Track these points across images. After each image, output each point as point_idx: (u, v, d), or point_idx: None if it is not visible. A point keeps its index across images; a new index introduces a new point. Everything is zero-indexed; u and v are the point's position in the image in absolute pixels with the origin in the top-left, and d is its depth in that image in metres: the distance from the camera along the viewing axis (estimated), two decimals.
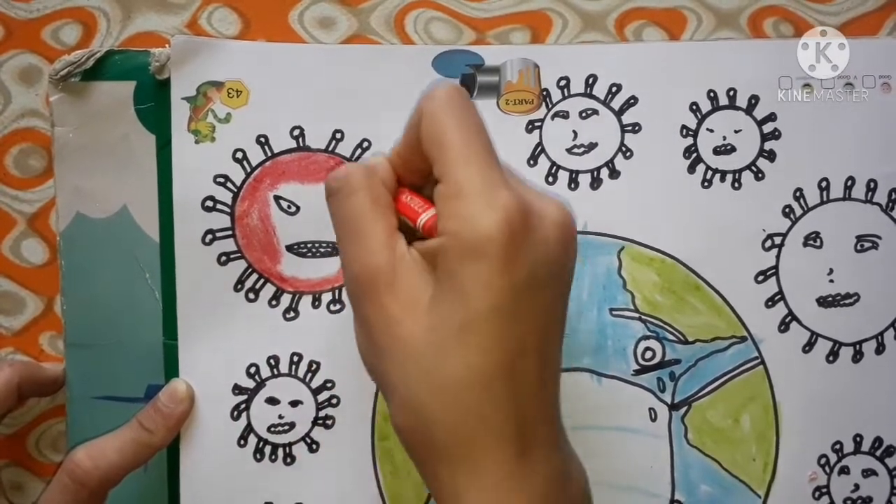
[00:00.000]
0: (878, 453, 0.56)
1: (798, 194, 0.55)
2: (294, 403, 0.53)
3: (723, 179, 0.54)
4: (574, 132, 0.54)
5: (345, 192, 0.43)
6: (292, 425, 0.53)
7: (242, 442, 0.53)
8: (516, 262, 0.38)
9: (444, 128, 0.40)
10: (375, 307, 0.41)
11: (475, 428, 0.39)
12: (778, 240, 0.55)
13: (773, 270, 0.55)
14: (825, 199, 0.55)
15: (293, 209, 0.52)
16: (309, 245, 0.53)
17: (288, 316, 0.53)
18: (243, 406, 0.53)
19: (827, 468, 0.55)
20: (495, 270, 0.38)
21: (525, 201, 0.39)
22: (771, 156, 0.54)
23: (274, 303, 0.53)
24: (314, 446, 0.53)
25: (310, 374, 0.53)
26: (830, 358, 0.55)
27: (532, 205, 0.39)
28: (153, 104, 0.52)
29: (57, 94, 0.51)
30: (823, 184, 0.55)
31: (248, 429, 0.53)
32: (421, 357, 0.40)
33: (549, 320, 0.40)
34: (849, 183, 0.55)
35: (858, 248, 0.55)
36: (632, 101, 0.54)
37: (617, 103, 0.54)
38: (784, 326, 0.55)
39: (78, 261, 0.52)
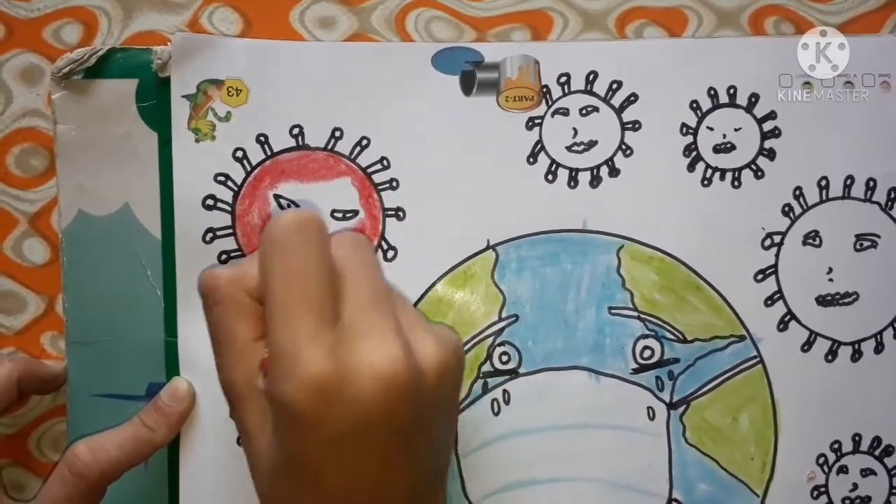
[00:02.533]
0: (876, 453, 0.56)
1: (797, 193, 0.55)
2: None
3: (722, 178, 0.55)
4: (574, 129, 0.54)
5: (211, 299, 0.44)
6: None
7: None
8: (320, 424, 0.39)
9: (269, 271, 0.41)
10: (235, 416, 0.43)
11: None
12: (777, 238, 0.55)
13: (773, 269, 0.55)
14: (824, 197, 0.55)
15: (293, 208, 0.53)
16: None
17: None
18: None
19: (825, 467, 0.56)
20: (300, 431, 0.39)
21: (335, 360, 0.39)
22: (771, 154, 0.55)
23: None
24: None
25: None
26: (829, 357, 0.55)
27: (344, 359, 0.39)
28: (155, 102, 0.52)
29: (59, 91, 0.52)
30: (823, 182, 0.55)
31: None
32: (265, 475, 0.42)
33: (383, 464, 0.40)
34: (848, 182, 0.55)
35: (857, 247, 0.55)
36: (632, 99, 0.54)
37: (617, 100, 0.54)
38: (783, 325, 0.55)
39: (80, 258, 0.53)
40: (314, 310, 0.40)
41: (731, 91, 0.55)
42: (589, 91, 0.54)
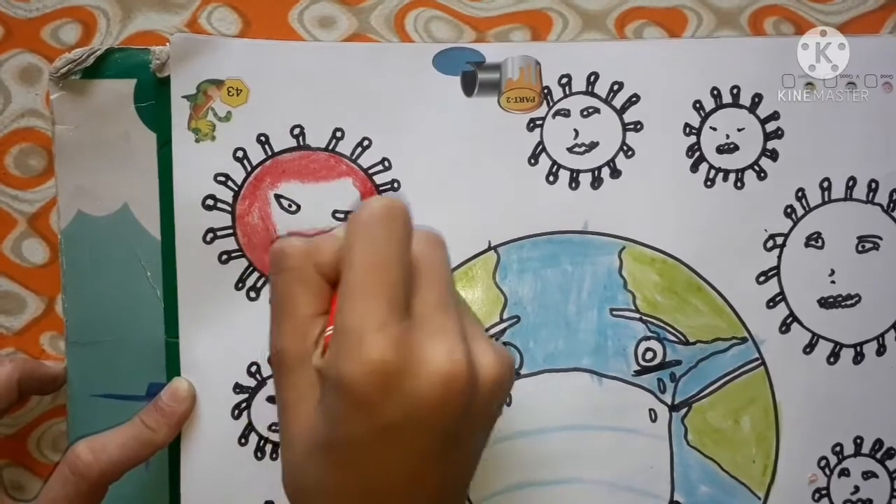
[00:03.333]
0: (878, 455, 0.57)
1: (800, 194, 0.55)
2: None
3: (725, 179, 0.55)
4: (575, 131, 0.54)
5: (278, 266, 0.44)
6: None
7: (243, 440, 0.53)
8: (373, 410, 0.39)
9: (351, 252, 0.41)
10: (278, 387, 0.44)
11: None
12: (780, 240, 0.55)
13: (775, 271, 0.55)
14: (826, 199, 0.55)
15: (294, 208, 0.53)
16: None
17: None
18: (244, 405, 0.53)
19: (827, 470, 0.56)
20: (353, 413, 0.39)
21: (399, 351, 0.39)
22: (773, 155, 0.55)
23: None
24: None
25: None
26: (831, 359, 0.56)
27: (409, 352, 0.39)
28: (154, 102, 0.52)
29: (58, 91, 0.52)
30: (825, 184, 0.55)
31: (249, 427, 0.53)
32: (301, 450, 0.42)
33: (424, 461, 0.41)
34: (850, 183, 0.55)
35: (860, 248, 0.56)
36: (634, 100, 0.54)
37: (619, 101, 0.54)
38: (785, 327, 0.55)
39: (79, 259, 0.53)
40: (388, 298, 0.40)
41: (735, 91, 0.55)
42: (590, 92, 0.54)
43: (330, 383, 0.40)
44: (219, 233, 0.53)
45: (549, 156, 0.54)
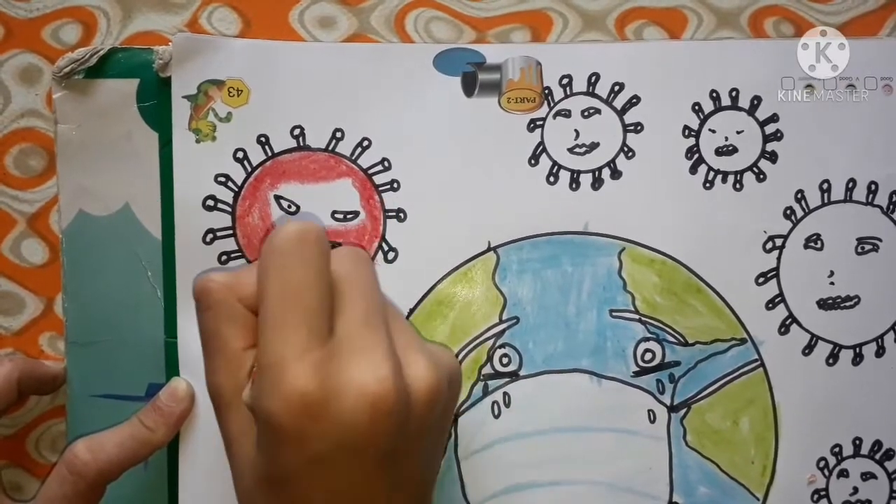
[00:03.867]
0: (877, 456, 0.57)
1: (799, 196, 0.55)
2: None
3: (724, 180, 0.55)
4: (576, 131, 0.55)
5: (203, 304, 0.44)
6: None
7: None
8: (302, 441, 0.39)
9: (265, 282, 0.42)
10: (220, 422, 0.44)
11: None
12: (779, 241, 0.55)
13: (774, 272, 0.56)
14: (826, 200, 0.56)
15: (294, 209, 0.53)
16: None
17: None
18: None
19: (826, 471, 0.56)
20: (282, 447, 0.40)
21: (321, 379, 0.39)
22: (773, 157, 0.55)
23: None
24: None
25: None
26: (830, 360, 0.56)
27: (331, 378, 0.39)
28: (156, 102, 0.52)
29: (60, 91, 0.52)
30: (825, 185, 0.56)
31: None
32: (248, 484, 0.43)
33: (366, 485, 0.40)
34: (850, 185, 0.56)
35: (859, 250, 0.56)
36: (634, 101, 0.55)
37: (619, 102, 0.55)
38: (784, 328, 0.56)
39: (80, 258, 0.53)
40: (306, 325, 0.40)
41: (734, 93, 0.55)
42: (591, 93, 0.54)
43: (259, 419, 0.40)
44: (219, 233, 0.53)
45: (549, 156, 0.54)
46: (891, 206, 0.56)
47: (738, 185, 0.55)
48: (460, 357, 0.54)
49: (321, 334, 0.40)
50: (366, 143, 0.53)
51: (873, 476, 0.57)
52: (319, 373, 0.39)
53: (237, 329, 0.43)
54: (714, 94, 0.55)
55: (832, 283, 0.56)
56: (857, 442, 0.56)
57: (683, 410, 0.55)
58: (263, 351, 0.40)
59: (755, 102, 0.55)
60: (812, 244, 0.56)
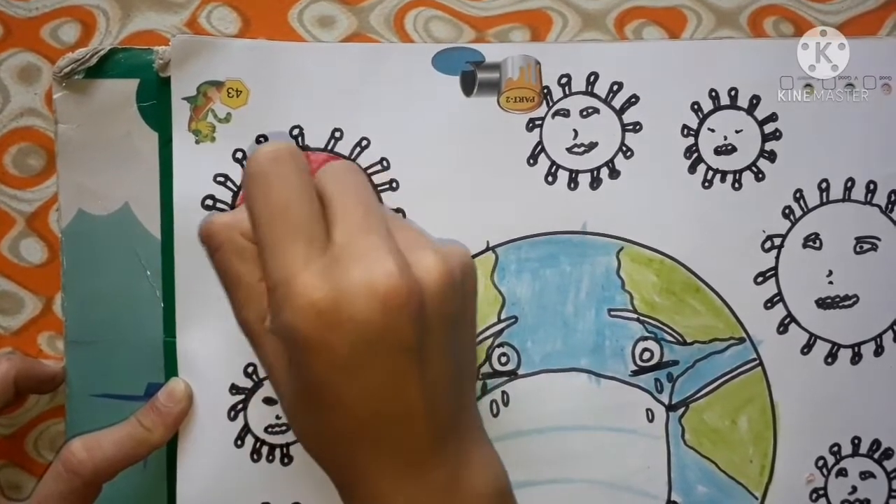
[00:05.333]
0: (875, 456, 0.57)
1: (798, 195, 0.56)
2: None
3: (723, 180, 0.56)
4: (574, 131, 0.55)
5: (210, 247, 0.46)
6: (290, 426, 0.54)
7: (239, 442, 0.54)
8: (324, 348, 0.40)
9: (253, 208, 0.43)
10: (256, 353, 0.45)
11: (349, 476, 0.44)
12: (777, 241, 0.56)
13: (773, 271, 0.56)
14: (825, 200, 0.56)
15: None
16: None
17: None
18: (240, 406, 0.54)
19: (824, 470, 0.57)
20: (308, 358, 0.41)
21: (330, 283, 0.40)
22: (771, 156, 0.56)
23: None
24: None
25: None
26: (829, 360, 0.57)
27: (339, 281, 0.40)
28: (156, 102, 0.53)
29: (60, 91, 0.53)
30: (823, 185, 0.56)
31: (245, 429, 0.54)
32: (292, 411, 0.45)
33: (395, 380, 0.41)
34: (848, 184, 0.56)
35: (858, 249, 0.56)
36: (633, 100, 0.55)
37: (618, 102, 0.55)
38: (783, 328, 0.56)
39: (79, 258, 0.53)
40: (302, 237, 0.41)
41: (733, 93, 0.55)
42: (590, 92, 0.55)
43: (282, 339, 0.42)
44: None
45: (548, 156, 0.55)
46: (889, 206, 0.57)
47: (736, 185, 0.56)
48: None
49: (319, 244, 0.42)
50: (364, 142, 0.54)
51: (872, 475, 0.58)
52: (326, 279, 0.40)
53: (248, 263, 0.44)
54: (713, 94, 0.55)
55: (831, 283, 0.56)
56: (856, 441, 0.57)
57: (682, 409, 0.56)
58: (268, 273, 0.42)
59: (754, 102, 0.56)
60: (811, 243, 0.56)
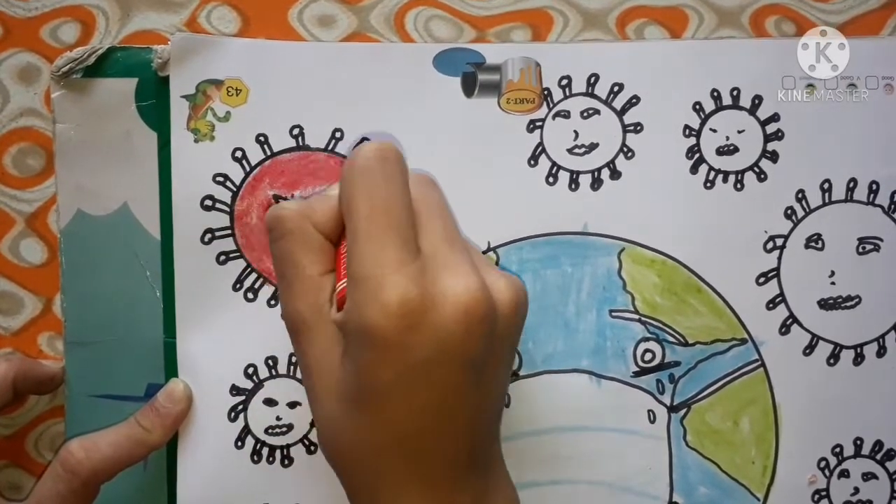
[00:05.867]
0: (878, 457, 0.57)
1: (800, 196, 0.56)
2: (292, 405, 0.54)
3: (725, 180, 0.56)
4: (575, 132, 0.55)
5: (277, 232, 0.45)
6: (290, 427, 0.54)
7: (240, 443, 0.54)
8: (401, 350, 0.40)
9: (353, 200, 0.43)
10: (298, 349, 0.45)
11: (371, 487, 0.43)
12: (779, 241, 0.56)
13: (775, 272, 0.56)
14: (827, 200, 0.56)
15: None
16: None
17: None
18: (241, 407, 0.54)
19: (827, 471, 0.57)
20: (379, 358, 0.41)
21: (420, 288, 0.40)
22: (773, 157, 0.56)
23: (273, 303, 0.54)
24: (312, 448, 0.55)
25: None
26: (831, 360, 0.57)
27: (428, 287, 0.41)
28: (154, 101, 0.53)
29: (59, 90, 0.53)
30: (825, 185, 0.56)
31: (246, 430, 0.54)
32: (331, 407, 0.43)
33: (454, 395, 0.42)
34: (851, 185, 0.56)
35: (860, 250, 0.57)
36: (634, 101, 0.55)
37: (619, 103, 0.55)
38: (785, 329, 0.56)
39: (78, 258, 0.54)
40: (399, 238, 0.42)
41: (735, 93, 0.56)
42: (590, 93, 0.55)
43: (353, 334, 0.41)
44: (217, 233, 0.53)
45: (548, 157, 0.55)
46: (892, 206, 0.57)
47: (738, 185, 0.56)
48: None
49: (413, 249, 0.42)
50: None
51: (874, 476, 0.58)
52: (416, 283, 0.40)
53: (314, 255, 0.44)
54: (715, 94, 0.56)
55: (833, 283, 0.57)
56: (858, 442, 0.57)
57: (683, 410, 0.56)
58: (359, 264, 0.41)
59: (756, 102, 0.56)
60: (813, 244, 0.56)
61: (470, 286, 0.41)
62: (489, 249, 0.55)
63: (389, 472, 0.43)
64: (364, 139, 0.54)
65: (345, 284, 0.43)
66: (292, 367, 0.55)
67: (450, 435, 0.42)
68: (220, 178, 0.54)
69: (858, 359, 0.57)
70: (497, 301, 0.42)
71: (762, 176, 0.56)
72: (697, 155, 0.56)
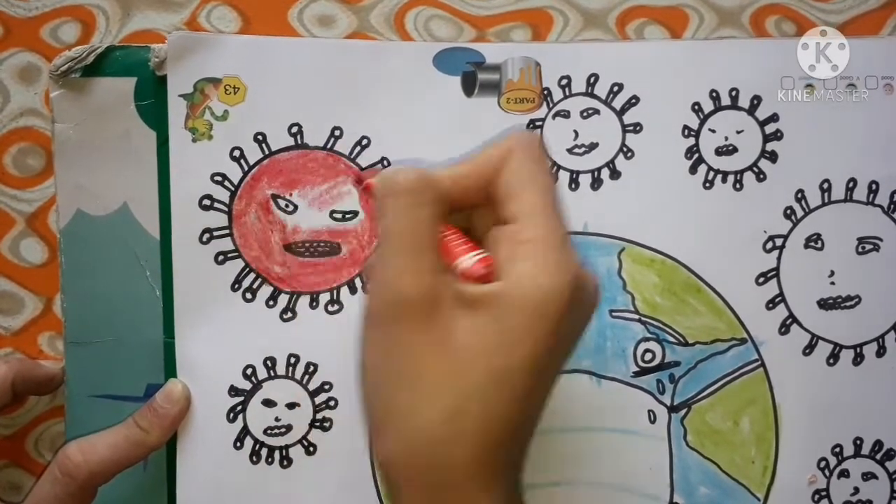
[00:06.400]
0: (878, 456, 0.58)
1: (799, 196, 0.56)
2: (291, 406, 0.55)
3: (724, 180, 0.56)
4: (575, 132, 0.55)
5: (412, 200, 0.41)
6: (289, 428, 0.55)
7: (238, 444, 0.54)
8: (565, 323, 0.40)
9: (535, 173, 0.42)
10: (403, 330, 0.40)
11: (485, 471, 0.40)
12: (779, 241, 0.56)
13: (774, 272, 0.56)
14: (826, 200, 0.56)
15: (291, 208, 0.54)
16: (307, 245, 0.54)
17: (285, 316, 0.54)
18: (239, 408, 0.54)
19: (826, 471, 0.57)
20: (548, 329, 0.39)
21: (582, 266, 0.41)
22: (773, 157, 0.56)
23: (271, 303, 0.54)
24: (311, 449, 0.55)
25: (307, 376, 0.54)
26: (831, 360, 0.57)
27: (581, 268, 0.41)
28: (153, 100, 0.53)
29: (57, 90, 0.53)
30: (825, 185, 0.56)
31: (245, 431, 0.54)
32: (441, 395, 0.40)
33: (557, 373, 0.42)
34: (850, 184, 0.57)
35: (859, 249, 0.57)
36: (633, 101, 0.56)
37: (618, 103, 0.55)
38: (784, 328, 0.57)
39: (78, 258, 0.54)
40: (564, 216, 0.42)
41: (734, 93, 0.56)
42: (590, 93, 0.55)
43: (516, 304, 0.39)
44: (215, 233, 0.54)
45: (548, 157, 0.55)
46: (891, 206, 0.57)
47: (738, 185, 0.56)
48: None
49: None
50: (365, 141, 0.54)
51: (874, 476, 0.58)
52: (578, 259, 0.41)
53: (439, 231, 0.42)
54: (714, 94, 0.56)
55: (833, 283, 0.57)
56: (858, 442, 0.57)
57: (684, 410, 0.56)
58: (545, 233, 0.41)
59: (755, 102, 0.56)
60: (812, 244, 0.57)
61: (593, 274, 0.43)
62: None
63: (505, 455, 0.41)
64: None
65: (481, 257, 0.41)
66: (291, 369, 0.55)
67: (527, 430, 0.43)
68: (219, 178, 0.54)
69: (858, 359, 0.57)
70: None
71: (761, 176, 0.56)
72: (697, 155, 0.56)
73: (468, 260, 0.41)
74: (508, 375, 0.39)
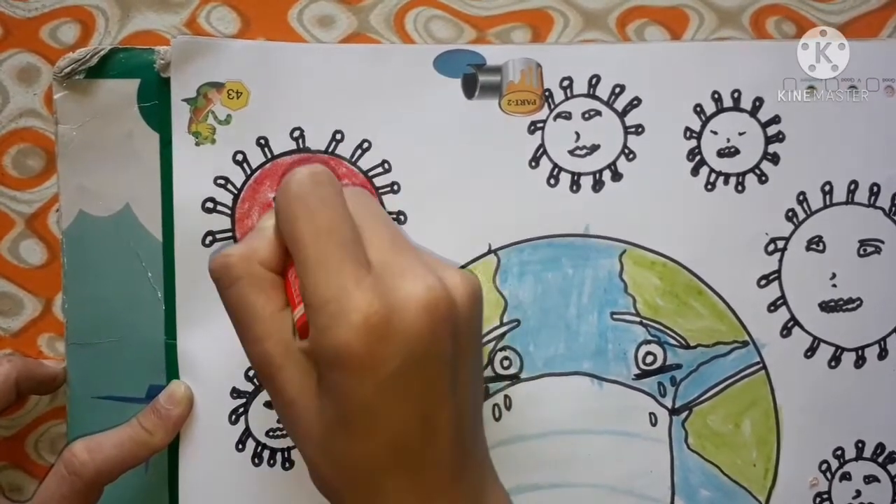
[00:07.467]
0: (880, 459, 0.58)
1: (801, 198, 0.57)
2: None
3: (726, 182, 0.56)
4: (576, 133, 0.56)
5: (226, 280, 0.46)
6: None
7: (241, 446, 0.55)
8: (375, 363, 0.41)
9: (292, 227, 0.44)
10: (273, 388, 0.45)
11: (375, 498, 0.44)
12: (781, 244, 0.57)
13: (776, 275, 0.57)
14: (828, 202, 0.57)
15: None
16: None
17: None
18: (242, 410, 0.55)
19: (828, 474, 0.57)
20: (355, 377, 0.41)
21: (381, 299, 0.41)
22: (774, 159, 0.56)
23: None
24: None
25: None
26: (832, 363, 0.57)
27: (388, 296, 0.42)
28: (157, 102, 0.53)
29: (61, 91, 0.53)
30: (827, 187, 0.57)
31: (247, 433, 0.55)
32: (317, 437, 0.44)
33: (433, 396, 0.43)
34: (852, 187, 0.57)
35: (861, 252, 0.57)
36: (635, 103, 0.56)
37: (620, 104, 0.56)
38: (786, 331, 0.57)
39: (80, 259, 0.54)
40: (350, 256, 0.43)
41: (736, 95, 0.56)
42: (591, 95, 0.56)
43: (325, 359, 0.42)
44: (218, 236, 0.54)
45: (550, 159, 0.55)
46: (893, 208, 0.57)
47: (739, 187, 0.56)
48: None
49: (364, 263, 0.43)
50: (366, 144, 0.54)
51: (876, 479, 0.58)
52: (377, 294, 0.41)
53: (267, 294, 0.45)
54: (716, 96, 0.56)
55: (834, 286, 0.57)
56: (860, 445, 0.58)
57: (685, 413, 0.57)
58: (315, 290, 0.42)
59: (757, 104, 0.56)
60: (814, 246, 0.57)
61: (428, 286, 0.42)
62: (490, 252, 0.55)
63: (389, 489, 0.43)
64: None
65: (303, 312, 0.44)
66: None
67: (439, 438, 0.43)
68: (222, 181, 0.54)
69: (860, 361, 0.57)
70: (454, 295, 0.43)
71: (763, 178, 0.56)
72: (698, 157, 0.56)
73: (295, 315, 0.45)
74: (351, 421, 0.43)
